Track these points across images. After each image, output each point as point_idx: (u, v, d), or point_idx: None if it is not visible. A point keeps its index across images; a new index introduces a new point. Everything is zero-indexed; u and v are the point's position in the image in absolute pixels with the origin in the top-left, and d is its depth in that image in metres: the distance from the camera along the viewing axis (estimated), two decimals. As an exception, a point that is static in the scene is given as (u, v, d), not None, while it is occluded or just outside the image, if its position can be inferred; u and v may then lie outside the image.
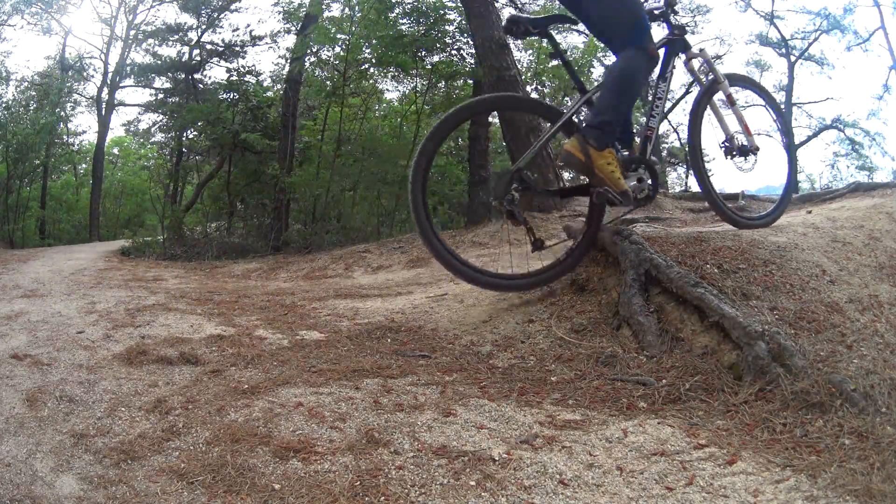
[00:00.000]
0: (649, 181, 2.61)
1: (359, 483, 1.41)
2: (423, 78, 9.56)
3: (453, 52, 9.19)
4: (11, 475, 1.46)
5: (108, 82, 16.87)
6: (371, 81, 10.89)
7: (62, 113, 16.77)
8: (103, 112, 16.88)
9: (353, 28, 9.10)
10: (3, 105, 14.50)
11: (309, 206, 9.91)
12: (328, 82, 10.31)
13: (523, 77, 9.04)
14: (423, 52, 8.88)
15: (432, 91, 10.08)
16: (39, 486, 1.41)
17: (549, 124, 2.63)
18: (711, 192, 2.95)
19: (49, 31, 16.32)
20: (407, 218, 10.85)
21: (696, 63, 2.91)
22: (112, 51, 17.05)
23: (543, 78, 11.95)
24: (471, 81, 9.37)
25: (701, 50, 2.91)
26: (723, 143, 2.97)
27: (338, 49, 9.78)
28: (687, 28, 2.82)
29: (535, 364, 2.24)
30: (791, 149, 3.38)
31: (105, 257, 7.88)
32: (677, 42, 2.75)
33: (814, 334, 2.06)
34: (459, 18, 8.89)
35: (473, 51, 8.37)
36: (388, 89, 12.19)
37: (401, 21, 8.91)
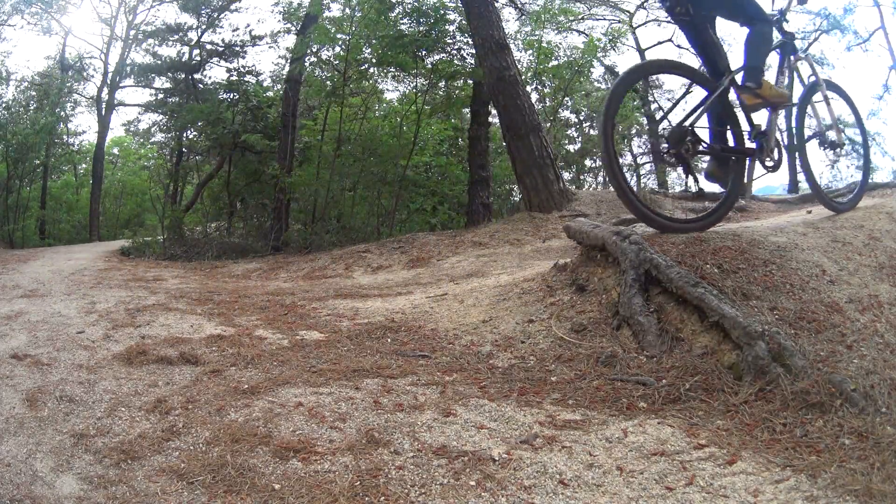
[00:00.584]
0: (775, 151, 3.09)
1: (359, 483, 1.41)
2: (424, 78, 9.55)
3: (453, 51, 9.18)
4: (11, 475, 1.46)
5: (108, 82, 16.87)
6: (371, 82, 10.88)
7: (62, 113, 16.77)
8: (103, 112, 16.88)
9: (353, 28, 9.09)
10: (3, 105, 14.50)
11: (309, 206, 9.90)
12: (328, 82, 10.31)
13: (523, 77, 9.04)
14: (424, 52, 8.87)
15: (433, 91, 10.08)
16: (39, 486, 1.41)
17: (707, 92, 2.99)
18: (815, 181, 3.45)
19: (49, 31, 16.31)
20: (407, 218, 10.85)
21: (800, 65, 3.37)
22: (112, 51, 17.05)
23: (543, 78, 11.95)
24: (471, 81, 9.38)
25: (806, 55, 3.43)
26: (815, 135, 3.42)
27: (338, 49, 9.78)
28: (796, 35, 3.32)
29: (535, 364, 2.24)
30: (867, 146, 3.88)
31: (105, 257, 7.88)
32: (788, 45, 3.27)
33: (814, 334, 2.06)
34: (460, 18, 8.89)
35: (473, 51, 8.37)
36: (388, 89, 12.20)
37: (401, 21, 8.90)
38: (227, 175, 12.22)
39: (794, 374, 1.82)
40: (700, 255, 2.46)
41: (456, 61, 9.18)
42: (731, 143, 3.01)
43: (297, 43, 10.24)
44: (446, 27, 8.87)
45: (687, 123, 2.89)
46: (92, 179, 17.41)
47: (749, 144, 3.03)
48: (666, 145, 2.91)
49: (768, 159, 3.01)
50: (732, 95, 3.08)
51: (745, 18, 3.09)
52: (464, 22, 8.55)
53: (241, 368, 2.23)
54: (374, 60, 9.33)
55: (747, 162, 3.03)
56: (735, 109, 3.12)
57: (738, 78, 3.05)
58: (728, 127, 3.03)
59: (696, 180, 3.14)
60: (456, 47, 9.17)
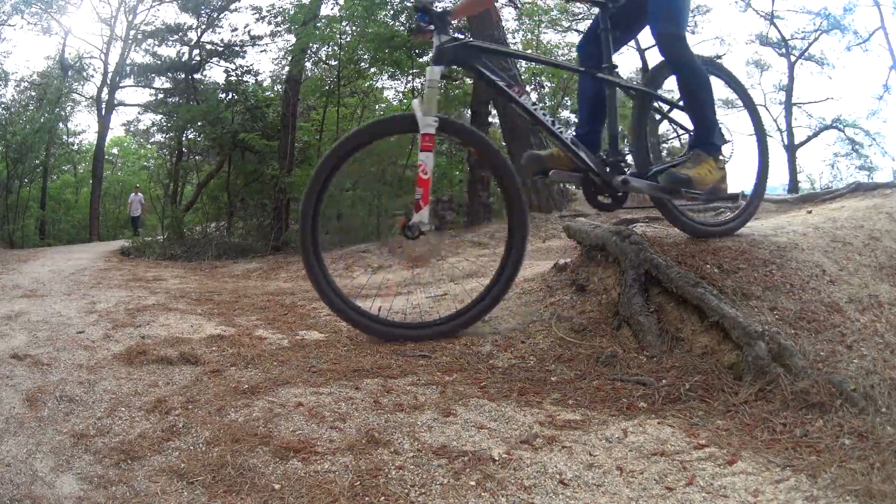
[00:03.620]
0: None
1: (359, 483, 1.41)
2: (421, 76, 9.57)
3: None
4: (11, 475, 1.45)
5: (108, 82, 16.89)
6: (369, 83, 10.91)
7: (62, 113, 16.79)
8: (103, 112, 16.90)
9: (344, 25, 9.12)
10: (3, 105, 14.51)
11: (308, 206, 9.88)
12: (324, 82, 10.33)
13: (523, 77, 9.06)
14: (417, 51, 8.90)
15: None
16: (39, 486, 1.41)
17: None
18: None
19: (49, 31, 16.34)
20: (407, 218, 10.85)
21: None
22: (112, 51, 17.08)
23: (542, 77, 11.95)
24: (469, 80, 9.38)
25: None
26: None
27: (334, 48, 9.81)
28: None
29: (535, 364, 2.24)
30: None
31: (105, 257, 7.88)
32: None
33: (814, 334, 2.06)
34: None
35: None
36: (385, 87, 12.22)
37: (390, 20, 8.93)
38: (226, 175, 12.23)
39: (794, 375, 1.82)
40: (700, 255, 2.46)
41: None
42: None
43: (298, 41, 10.24)
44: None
45: None
46: (92, 179, 17.44)
47: None
48: None
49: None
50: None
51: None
52: (457, 22, 8.57)
53: (241, 368, 2.23)
54: (367, 59, 9.36)
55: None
56: None
57: None
58: None
59: None
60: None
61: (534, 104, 2.49)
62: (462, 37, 2.44)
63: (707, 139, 2.55)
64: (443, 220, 2.40)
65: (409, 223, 2.33)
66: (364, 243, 7.12)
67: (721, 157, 2.58)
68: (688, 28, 2.66)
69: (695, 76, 2.50)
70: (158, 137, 16.78)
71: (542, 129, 2.51)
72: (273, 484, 1.41)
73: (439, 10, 2.44)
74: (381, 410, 1.81)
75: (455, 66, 2.44)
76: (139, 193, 15.87)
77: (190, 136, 13.56)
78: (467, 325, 2.51)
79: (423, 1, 2.45)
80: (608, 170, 2.53)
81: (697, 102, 2.54)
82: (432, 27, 2.41)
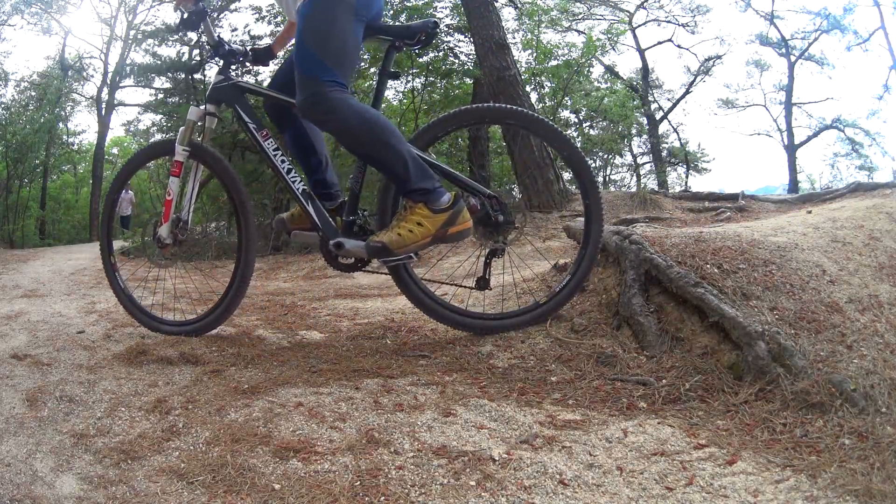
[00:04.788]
0: None
1: (359, 483, 1.41)
2: (420, 76, 9.57)
3: (446, 49, 9.22)
4: (11, 475, 1.45)
5: (108, 82, 16.90)
6: (368, 83, 10.90)
7: (62, 113, 16.80)
8: (103, 112, 16.91)
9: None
10: (3, 105, 14.52)
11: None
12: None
13: (522, 77, 9.06)
14: (416, 51, 8.93)
15: (430, 90, 10.09)
16: (39, 486, 1.41)
17: None
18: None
19: (49, 31, 16.37)
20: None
21: None
22: (112, 51, 17.10)
23: (542, 78, 11.95)
24: (469, 80, 9.39)
25: None
26: None
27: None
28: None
29: (535, 364, 2.24)
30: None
31: (105, 257, 7.86)
32: None
33: (814, 334, 2.06)
34: (452, 16, 8.94)
35: (465, 49, 8.42)
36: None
37: (390, 21, 8.96)
38: (226, 175, 12.20)
39: (794, 375, 1.82)
40: (700, 255, 2.46)
41: (451, 58, 9.22)
42: None
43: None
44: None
45: None
46: (92, 179, 17.46)
47: None
48: None
49: None
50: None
51: None
52: (452, 20, 8.59)
53: (241, 368, 2.23)
54: (367, 59, 9.38)
55: None
56: None
57: None
58: None
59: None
60: (449, 45, 9.20)
61: (275, 150, 2.44)
62: (233, 78, 2.51)
63: (406, 187, 2.14)
64: (175, 238, 2.64)
65: (156, 235, 2.62)
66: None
67: (440, 198, 2.18)
68: (339, 62, 2.13)
69: (350, 132, 2.10)
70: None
71: (277, 176, 2.49)
72: (273, 484, 1.41)
73: (227, 49, 2.51)
74: (381, 410, 1.81)
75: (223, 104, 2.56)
76: (129, 191, 15.73)
77: (190, 136, 13.56)
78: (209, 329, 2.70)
79: (211, 43, 2.52)
80: (338, 230, 2.35)
81: (371, 160, 2.17)
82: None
